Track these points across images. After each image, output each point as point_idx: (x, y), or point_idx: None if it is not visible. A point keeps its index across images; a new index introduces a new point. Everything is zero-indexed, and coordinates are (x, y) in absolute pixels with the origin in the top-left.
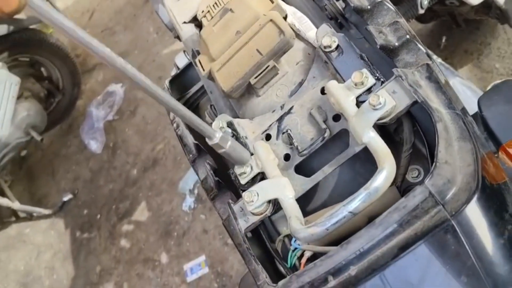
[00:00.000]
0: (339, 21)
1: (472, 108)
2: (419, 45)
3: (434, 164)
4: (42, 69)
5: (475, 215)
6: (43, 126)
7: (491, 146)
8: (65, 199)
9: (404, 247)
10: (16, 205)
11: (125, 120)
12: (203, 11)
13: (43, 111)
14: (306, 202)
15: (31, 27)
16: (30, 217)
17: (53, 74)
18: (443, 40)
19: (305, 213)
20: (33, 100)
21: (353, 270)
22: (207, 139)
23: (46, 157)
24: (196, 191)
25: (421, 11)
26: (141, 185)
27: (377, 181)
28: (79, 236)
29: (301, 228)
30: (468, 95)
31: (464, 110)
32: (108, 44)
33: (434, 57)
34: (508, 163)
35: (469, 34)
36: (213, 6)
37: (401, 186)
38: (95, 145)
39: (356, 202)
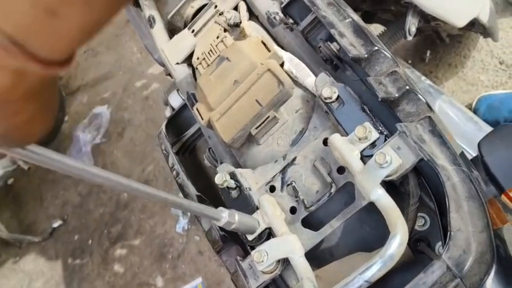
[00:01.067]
0: (334, 63)
1: (460, 133)
2: (419, 95)
3: (448, 233)
4: None
5: None
6: None
7: (493, 189)
8: (55, 225)
9: None
10: (4, 233)
11: (113, 143)
12: (198, 58)
13: None
14: (313, 254)
15: None
16: (19, 245)
17: None
18: (428, 54)
19: (313, 265)
20: None
21: None
22: (215, 222)
23: (33, 183)
24: (189, 213)
25: (410, 38)
26: (133, 208)
27: (391, 248)
28: (70, 262)
29: None
30: (455, 120)
31: (466, 161)
32: (91, 65)
33: (423, 78)
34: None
35: (452, 47)
36: (209, 53)
37: (410, 238)
38: None
39: (372, 271)
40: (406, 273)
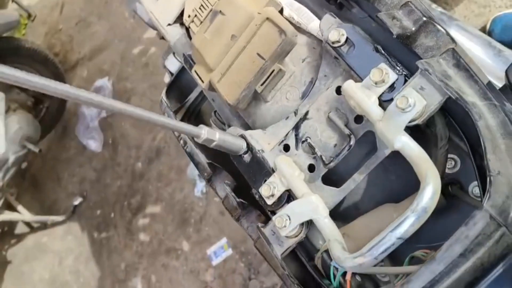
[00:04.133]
0: (338, 1)
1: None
2: (438, 26)
3: (488, 179)
4: None
5: None
6: (37, 135)
7: None
8: (76, 202)
9: (471, 282)
10: (27, 216)
11: (120, 115)
12: (189, 16)
13: (34, 120)
14: (336, 209)
15: (3, 35)
16: (44, 226)
17: None
18: None
19: (337, 220)
20: (22, 110)
21: None
22: (195, 139)
23: (47, 164)
24: None
25: None
26: (149, 177)
27: (424, 200)
28: (97, 236)
29: (346, 258)
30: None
31: (496, 92)
32: (86, 37)
33: (433, 6)
34: None
35: None
36: (200, 9)
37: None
38: (94, 144)
39: (404, 227)
40: (440, 221)
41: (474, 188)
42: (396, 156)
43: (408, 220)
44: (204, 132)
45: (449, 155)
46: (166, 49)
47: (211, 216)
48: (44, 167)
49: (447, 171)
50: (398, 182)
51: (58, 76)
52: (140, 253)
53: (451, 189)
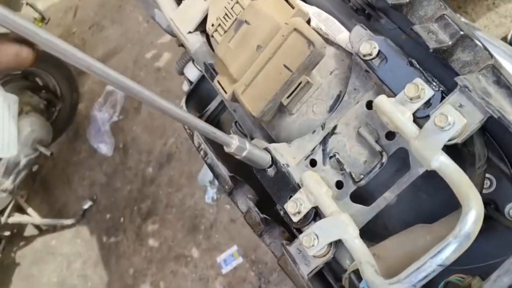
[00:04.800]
0: (367, 12)
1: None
2: (476, 41)
3: None
4: (37, 79)
5: None
6: (49, 138)
7: None
8: (86, 206)
9: None
10: (37, 219)
11: (131, 118)
12: (213, 25)
13: (46, 122)
14: (365, 228)
15: None
16: (53, 229)
17: (48, 82)
18: None
19: (366, 241)
20: (34, 113)
21: None
22: (224, 147)
23: (58, 167)
24: (216, 182)
25: None
26: (160, 182)
27: (467, 226)
28: (106, 241)
29: (382, 283)
30: (501, 55)
31: None
32: (99, 41)
33: (457, 15)
34: None
35: None
36: (224, 18)
37: None
38: (105, 148)
39: (446, 253)
40: (474, 242)
41: (510, 209)
42: (428, 175)
43: (450, 247)
44: (235, 142)
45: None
46: (180, 55)
47: (221, 223)
48: (54, 170)
49: (483, 191)
50: (430, 201)
51: (70, 79)
52: (149, 259)
53: (487, 210)
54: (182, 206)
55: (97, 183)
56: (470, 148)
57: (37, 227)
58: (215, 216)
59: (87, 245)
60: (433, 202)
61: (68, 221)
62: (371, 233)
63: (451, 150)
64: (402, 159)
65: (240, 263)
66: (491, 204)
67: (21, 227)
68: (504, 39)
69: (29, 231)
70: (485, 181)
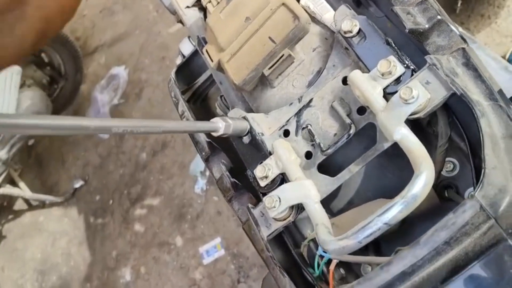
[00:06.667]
0: None
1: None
2: (451, 26)
3: (482, 171)
4: (43, 55)
5: None
6: (48, 113)
7: None
8: (77, 185)
9: (453, 270)
10: (27, 194)
11: (131, 104)
12: None
13: (47, 98)
14: (329, 201)
15: None
16: (42, 205)
17: (54, 60)
18: (459, 4)
19: (329, 213)
20: (36, 87)
21: None
22: (214, 133)
23: (54, 145)
24: (207, 173)
25: None
26: (152, 169)
27: (415, 188)
28: (93, 222)
29: (331, 240)
30: (493, 66)
31: (504, 98)
32: (108, 25)
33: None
34: None
35: None
36: None
37: (437, 184)
38: None
39: (392, 213)
40: (432, 220)
41: (470, 194)
42: (395, 155)
43: (396, 206)
44: (221, 125)
45: (449, 158)
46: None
47: (208, 214)
48: (50, 147)
49: (445, 174)
50: (394, 180)
51: (76, 59)
52: (133, 243)
53: (448, 193)
54: (171, 194)
55: (91, 164)
56: (435, 129)
57: (26, 201)
58: (202, 206)
59: (74, 224)
60: (397, 181)
61: (58, 199)
62: (337, 208)
63: (417, 129)
64: (371, 137)
65: (222, 256)
66: (452, 187)
67: (11, 200)
68: (503, 57)
69: (19, 205)
70: (449, 165)
